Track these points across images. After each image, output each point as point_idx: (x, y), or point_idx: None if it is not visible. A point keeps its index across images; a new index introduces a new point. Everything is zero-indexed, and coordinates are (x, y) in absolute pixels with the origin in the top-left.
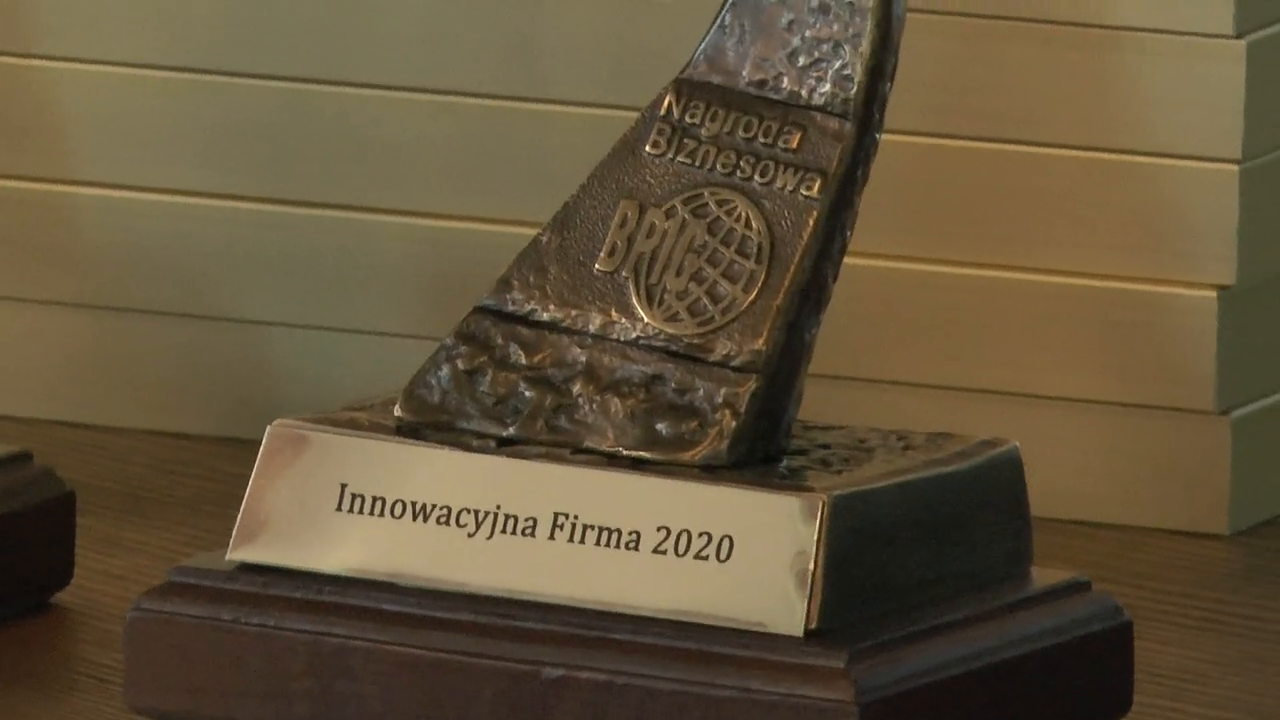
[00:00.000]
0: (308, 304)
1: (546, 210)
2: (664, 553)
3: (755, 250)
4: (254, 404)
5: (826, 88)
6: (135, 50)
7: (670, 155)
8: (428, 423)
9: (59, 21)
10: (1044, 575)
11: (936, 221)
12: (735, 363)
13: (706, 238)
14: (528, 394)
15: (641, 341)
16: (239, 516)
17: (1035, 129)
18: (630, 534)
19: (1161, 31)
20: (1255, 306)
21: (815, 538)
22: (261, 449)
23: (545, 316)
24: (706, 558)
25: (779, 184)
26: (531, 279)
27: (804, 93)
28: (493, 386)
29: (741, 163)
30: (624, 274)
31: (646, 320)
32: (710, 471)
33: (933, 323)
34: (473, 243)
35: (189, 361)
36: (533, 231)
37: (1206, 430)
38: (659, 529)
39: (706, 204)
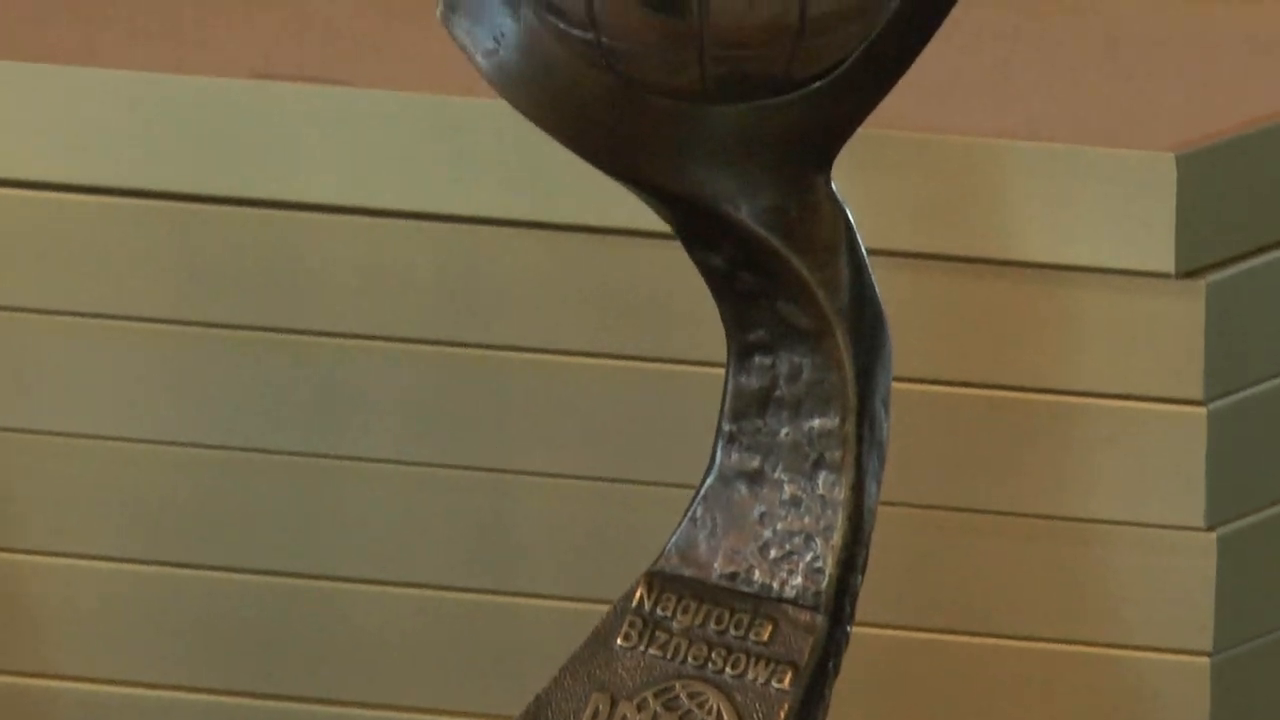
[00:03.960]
0: None
1: (517, 703)
2: None
3: None
4: None
5: (798, 580)
6: (110, 544)
7: (642, 647)
8: None
9: (32, 514)
10: None
11: (912, 712)
12: None
13: None
14: None
15: None
16: None
17: (1005, 621)
18: None
19: (1131, 524)
20: None
21: None
22: None
23: None
24: None
25: (750, 676)
26: None
27: (775, 585)
28: None
29: (713, 655)
30: None
31: None
32: None
33: None
34: None
35: None
36: None
37: None
38: None
39: (678, 696)
